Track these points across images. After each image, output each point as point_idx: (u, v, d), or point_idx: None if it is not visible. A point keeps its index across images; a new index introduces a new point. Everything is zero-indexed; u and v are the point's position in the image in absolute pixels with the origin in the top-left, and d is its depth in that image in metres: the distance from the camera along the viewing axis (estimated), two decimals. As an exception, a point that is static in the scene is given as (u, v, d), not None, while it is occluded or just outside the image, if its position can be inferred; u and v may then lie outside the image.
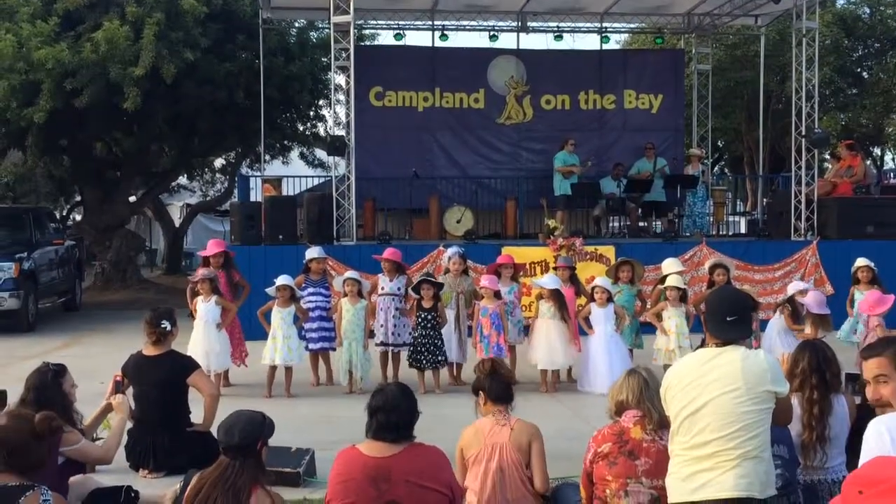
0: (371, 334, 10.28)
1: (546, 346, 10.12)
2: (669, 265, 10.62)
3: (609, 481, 4.70)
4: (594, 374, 10.03)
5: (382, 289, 10.42)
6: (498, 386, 5.29)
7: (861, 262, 10.62)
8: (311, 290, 10.51)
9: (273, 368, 9.90)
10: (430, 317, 10.05)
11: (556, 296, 10.14)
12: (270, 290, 9.98)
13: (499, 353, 9.81)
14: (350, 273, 10.42)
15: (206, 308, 9.82)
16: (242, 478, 4.17)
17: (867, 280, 10.44)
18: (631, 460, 4.66)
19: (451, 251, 11.25)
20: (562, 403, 9.50)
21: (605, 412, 4.98)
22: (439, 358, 10.07)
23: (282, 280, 9.95)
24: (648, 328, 10.99)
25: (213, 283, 9.96)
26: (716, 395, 4.06)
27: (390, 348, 10.34)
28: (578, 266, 13.10)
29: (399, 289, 10.42)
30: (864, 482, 1.99)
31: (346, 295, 10.08)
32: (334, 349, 10.38)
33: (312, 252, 10.81)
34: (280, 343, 9.82)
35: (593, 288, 10.36)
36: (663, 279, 10.44)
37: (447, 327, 10.33)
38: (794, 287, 10.07)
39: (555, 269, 11.16)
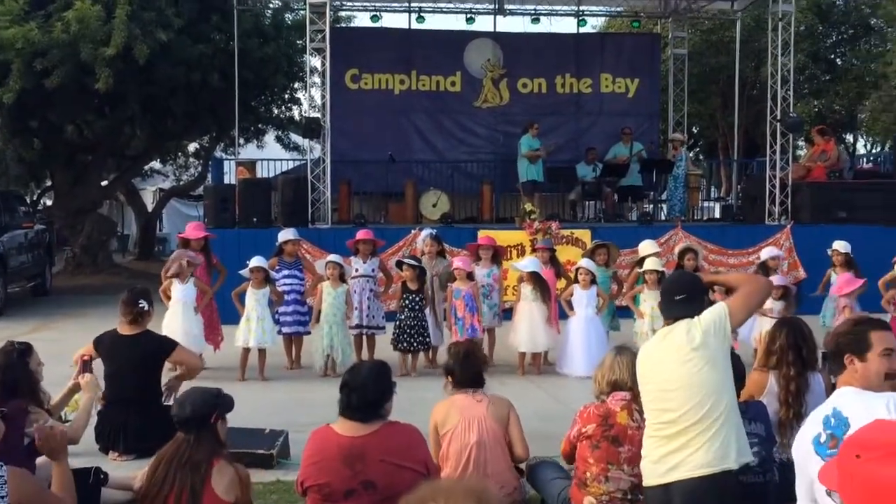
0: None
1: (528, 328, 10.07)
2: (646, 247, 10.63)
3: (590, 464, 4.68)
4: (572, 357, 10.01)
5: (356, 271, 10.34)
6: (466, 373, 5.28)
7: (837, 244, 10.66)
8: (285, 272, 10.41)
9: (246, 351, 9.79)
10: (416, 298, 10.00)
11: (536, 278, 10.10)
12: (244, 272, 9.89)
13: (473, 334, 9.80)
14: (333, 256, 10.34)
15: (183, 290, 9.69)
16: (199, 452, 4.16)
17: (841, 263, 10.50)
18: (614, 446, 4.64)
19: (424, 233, 11.22)
20: (538, 386, 9.47)
21: (592, 393, 4.95)
22: (426, 340, 10.03)
23: (255, 262, 9.85)
24: (624, 311, 11.01)
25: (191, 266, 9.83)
26: (674, 370, 4.12)
27: (364, 331, 10.27)
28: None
29: (373, 270, 10.36)
30: (862, 446, 1.96)
31: (327, 278, 9.99)
32: (308, 332, 10.30)
33: (286, 234, 10.71)
34: (254, 325, 9.72)
35: (577, 269, 10.28)
36: (641, 261, 10.44)
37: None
38: (767, 253, 10.21)
39: (534, 250, 11.13)
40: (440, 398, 5.64)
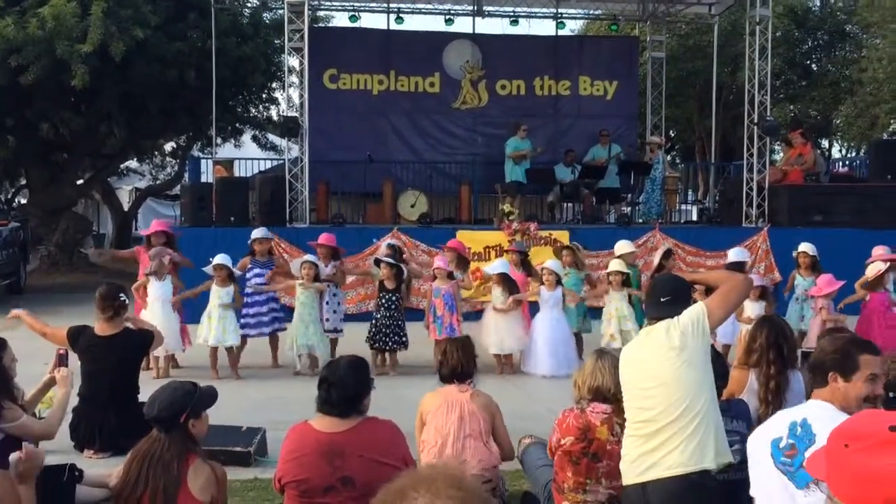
0: None
1: (496, 330, 10.10)
2: (622, 247, 10.69)
3: (569, 476, 4.67)
4: (536, 356, 10.01)
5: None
6: (452, 367, 5.34)
7: (803, 246, 10.68)
8: (257, 271, 10.35)
9: (215, 349, 9.73)
10: (392, 297, 10.00)
11: (504, 280, 10.12)
12: (207, 269, 9.80)
13: (451, 333, 9.80)
14: (309, 256, 10.31)
15: (160, 287, 9.62)
16: (170, 450, 4.11)
17: (806, 265, 10.52)
18: (593, 462, 4.63)
19: (388, 242, 11.27)
20: (514, 386, 9.47)
21: (572, 397, 4.91)
22: (403, 339, 10.02)
23: (219, 259, 9.77)
24: (596, 312, 11.05)
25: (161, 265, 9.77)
26: (653, 368, 4.13)
27: (329, 335, 10.22)
28: (533, 251, 13.09)
29: (333, 270, 10.35)
30: (850, 436, 1.96)
31: (303, 278, 9.92)
32: (284, 329, 10.24)
33: (257, 233, 10.62)
34: (215, 323, 9.64)
35: (542, 270, 10.29)
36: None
37: None
38: (734, 254, 10.27)
39: (506, 251, 11.15)
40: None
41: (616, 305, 9.98)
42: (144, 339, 7.09)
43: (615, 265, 10.14)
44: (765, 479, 3.30)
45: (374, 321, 10.10)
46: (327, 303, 10.22)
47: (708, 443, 4.02)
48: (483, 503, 1.79)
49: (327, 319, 10.19)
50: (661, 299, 4.29)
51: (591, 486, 4.65)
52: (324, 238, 10.58)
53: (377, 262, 10.30)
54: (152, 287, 9.63)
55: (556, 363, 9.85)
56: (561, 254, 10.97)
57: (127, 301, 7.01)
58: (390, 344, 9.98)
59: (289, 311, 10.51)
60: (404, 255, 11.36)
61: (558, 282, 10.18)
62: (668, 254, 10.53)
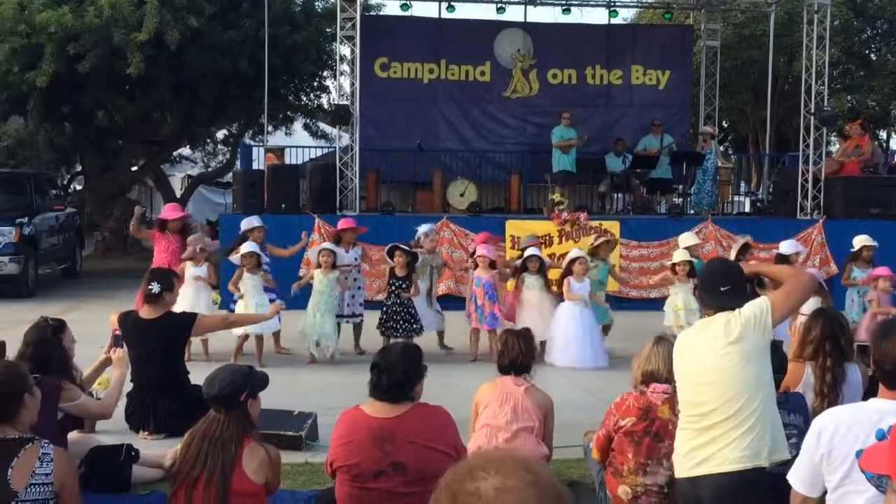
0: None
1: (540, 317, 9.92)
2: (685, 239, 10.50)
3: (629, 458, 4.64)
4: (564, 348, 9.81)
5: (340, 260, 10.33)
6: (508, 358, 5.35)
7: (864, 240, 10.41)
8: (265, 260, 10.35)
9: (244, 338, 9.61)
10: (403, 285, 9.92)
11: (541, 264, 10.06)
12: (235, 258, 9.84)
13: (493, 322, 9.83)
14: (326, 244, 10.33)
15: (197, 272, 9.71)
16: (228, 430, 4.15)
17: (870, 259, 10.29)
18: (656, 442, 4.59)
19: (426, 227, 11.04)
20: (565, 376, 9.41)
21: (630, 381, 4.91)
22: (414, 326, 9.91)
23: (247, 247, 9.76)
24: (625, 304, 10.91)
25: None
26: (709, 363, 4.05)
27: (345, 320, 10.24)
28: (582, 240, 13.03)
29: (356, 259, 10.35)
30: None
31: (319, 266, 9.89)
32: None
33: (250, 222, 10.51)
34: (253, 311, 9.51)
35: (574, 259, 10.02)
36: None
37: (420, 299, 10.21)
38: (786, 246, 10.07)
39: (526, 258, 10.68)
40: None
41: (683, 298, 9.68)
42: (185, 322, 7.11)
43: (681, 255, 9.89)
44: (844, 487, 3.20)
45: (384, 308, 10.02)
46: (348, 289, 10.19)
47: (763, 440, 3.96)
48: (551, 487, 1.77)
49: (347, 304, 10.19)
50: (721, 288, 4.17)
51: (652, 468, 4.60)
52: (344, 223, 10.58)
53: (392, 252, 10.05)
54: (189, 272, 9.73)
55: (583, 357, 9.70)
56: (601, 246, 10.78)
57: (157, 290, 6.91)
58: (401, 331, 9.85)
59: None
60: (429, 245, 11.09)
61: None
62: (745, 248, 10.12)
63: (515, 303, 10.21)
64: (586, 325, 9.86)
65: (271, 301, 9.97)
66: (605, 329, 10.39)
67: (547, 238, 13.97)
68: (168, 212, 10.51)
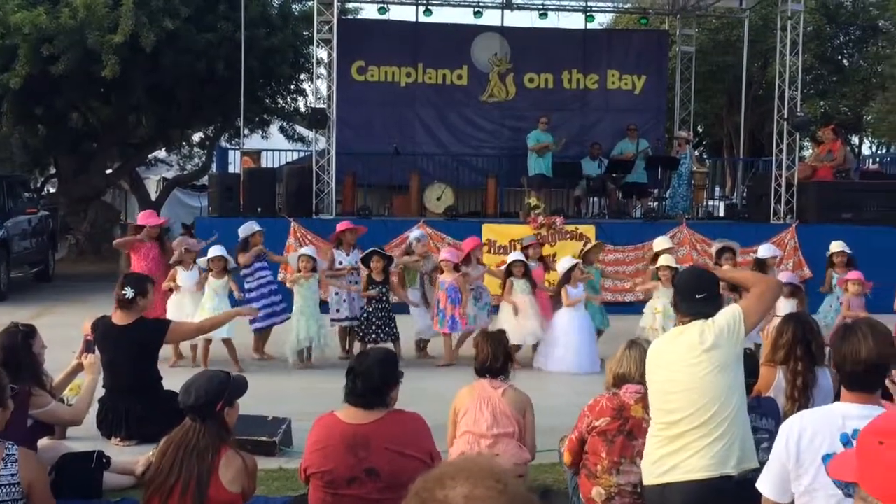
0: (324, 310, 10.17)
1: (529, 321, 9.97)
2: (660, 243, 10.57)
3: (602, 457, 4.65)
4: (558, 354, 9.85)
5: (340, 263, 10.31)
6: (485, 361, 5.33)
7: (837, 246, 10.54)
8: (257, 265, 10.28)
9: (208, 342, 9.50)
10: (382, 290, 9.96)
11: (527, 270, 10.10)
12: (202, 262, 9.78)
13: (453, 326, 9.85)
14: (305, 249, 10.32)
15: (188, 277, 9.66)
16: (204, 439, 4.11)
17: (842, 264, 10.40)
18: (629, 440, 4.62)
19: (417, 233, 11.12)
20: (560, 381, 9.40)
21: (602, 385, 4.94)
22: (393, 331, 9.95)
23: (215, 251, 9.72)
24: (616, 308, 11.00)
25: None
26: (681, 371, 4.06)
27: (352, 322, 10.23)
28: (559, 245, 13.07)
29: (356, 261, 10.35)
30: (884, 432, 1.95)
31: (300, 270, 9.88)
32: (289, 317, 10.19)
33: (250, 227, 10.45)
34: (208, 316, 9.54)
35: (573, 267, 10.09)
36: (655, 258, 10.39)
37: (419, 307, 10.29)
38: (764, 250, 10.15)
39: (525, 247, 10.95)
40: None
41: (664, 302, 9.61)
42: (158, 328, 7.06)
43: (666, 259, 9.94)
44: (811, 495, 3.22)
45: (365, 315, 10.00)
46: (357, 291, 10.20)
47: (732, 448, 3.98)
48: (521, 497, 1.78)
49: (349, 307, 10.16)
50: (697, 296, 4.20)
51: (625, 467, 4.62)
52: (343, 225, 10.57)
53: (366, 262, 10.03)
54: (180, 277, 9.67)
55: (579, 363, 9.76)
56: (591, 251, 10.86)
57: (130, 296, 6.85)
58: (382, 336, 9.87)
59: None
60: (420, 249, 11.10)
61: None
62: (722, 251, 10.23)
63: (548, 303, 10.24)
64: (584, 331, 9.93)
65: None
66: (599, 333, 10.42)
67: (523, 242, 14.00)
68: (145, 218, 10.41)
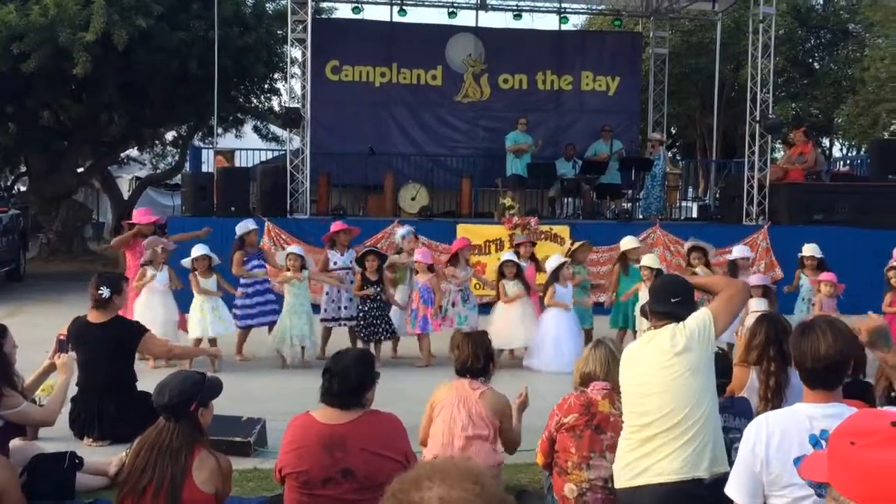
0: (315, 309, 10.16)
1: (521, 322, 10.02)
2: (627, 242, 10.65)
3: (572, 453, 4.68)
4: (545, 353, 9.92)
5: (335, 263, 10.29)
6: (465, 361, 5.32)
7: (808, 249, 10.64)
8: (254, 262, 10.31)
9: (199, 341, 9.55)
10: (377, 288, 9.97)
11: (518, 270, 10.12)
12: (186, 262, 9.74)
13: (424, 326, 9.87)
14: (292, 248, 10.29)
15: (159, 278, 9.60)
16: (178, 439, 4.10)
17: (812, 267, 10.50)
18: (597, 434, 4.65)
19: (403, 230, 11.11)
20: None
21: (571, 384, 4.97)
22: (390, 328, 10.00)
23: (200, 250, 9.70)
24: (599, 308, 11.06)
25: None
26: (653, 374, 4.10)
27: (342, 323, 10.22)
28: (537, 246, 13.08)
29: (350, 261, 10.32)
30: (855, 433, 1.98)
31: (288, 269, 9.90)
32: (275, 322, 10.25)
33: (246, 225, 10.47)
34: (209, 315, 9.53)
35: (561, 265, 10.11)
36: (622, 257, 10.45)
37: (400, 303, 10.29)
38: (737, 251, 10.24)
39: (516, 245, 11.07)
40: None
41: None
42: (135, 330, 7.02)
43: (649, 260, 9.96)
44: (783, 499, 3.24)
45: (361, 313, 10.02)
46: (347, 291, 10.19)
47: (704, 452, 4.01)
48: (498, 498, 1.78)
49: (344, 307, 10.18)
50: (672, 300, 4.25)
51: (595, 461, 4.65)
52: (337, 225, 10.55)
53: (360, 262, 10.06)
54: (148, 277, 9.60)
55: (567, 361, 9.77)
56: (579, 250, 10.89)
57: (107, 295, 6.84)
58: (380, 334, 9.94)
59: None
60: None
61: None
62: (691, 250, 10.36)
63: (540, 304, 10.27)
64: (570, 330, 9.97)
65: (242, 313, 9.99)
66: (588, 333, 10.42)
67: (498, 242, 14.06)
68: (141, 216, 10.34)
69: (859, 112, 25.61)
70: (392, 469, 4.28)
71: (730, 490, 3.33)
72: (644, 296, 9.80)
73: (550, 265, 10.21)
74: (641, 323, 9.80)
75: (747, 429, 3.36)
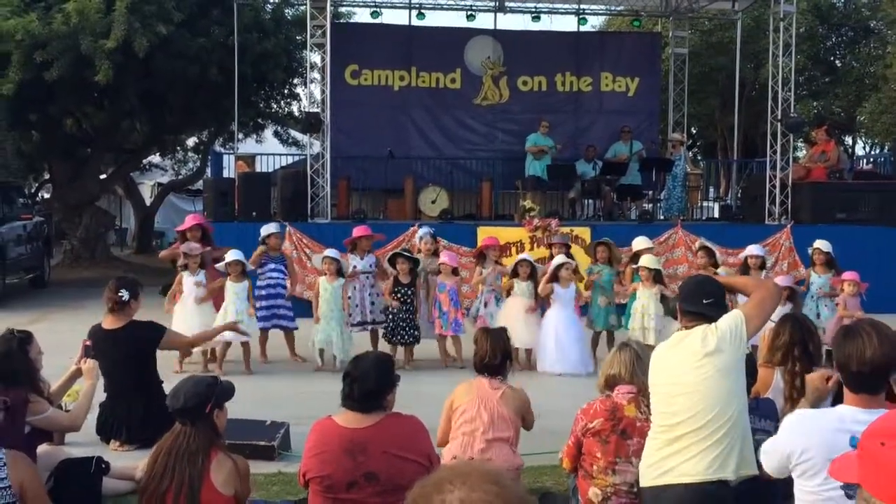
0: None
1: (528, 324, 9.95)
2: (639, 243, 10.62)
3: (598, 458, 4.67)
4: (549, 355, 9.88)
5: (354, 267, 10.32)
6: (484, 360, 5.32)
7: (817, 243, 10.57)
8: (271, 266, 10.35)
9: (227, 345, 9.64)
10: (408, 292, 10.00)
11: (533, 271, 10.10)
12: (220, 266, 9.80)
13: (457, 329, 9.88)
14: (329, 251, 10.32)
15: (194, 282, 9.64)
16: (195, 442, 4.13)
17: (821, 262, 10.42)
18: (623, 440, 4.63)
19: (422, 231, 11.18)
20: (553, 382, 9.42)
21: (596, 387, 4.96)
22: (415, 333, 10.05)
23: (233, 255, 9.75)
24: (623, 309, 11.00)
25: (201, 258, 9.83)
26: (683, 374, 4.06)
27: (368, 326, 10.25)
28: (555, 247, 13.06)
29: (371, 265, 10.34)
30: (886, 434, 1.96)
31: (324, 273, 9.95)
32: (296, 328, 10.31)
33: (269, 228, 10.56)
34: (233, 318, 9.56)
35: (561, 265, 10.03)
36: (634, 257, 10.41)
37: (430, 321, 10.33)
38: (750, 250, 10.18)
39: (550, 246, 11.06)
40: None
41: (643, 302, 9.79)
42: (152, 332, 7.00)
43: (648, 261, 9.96)
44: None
45: (390, 316, 10.08)
46: (369, 294, 10.23)
47: (731, 454, 3.97)
48: (518, 499, 1.79)
49: (369, 312, 10.20)
50: (705, 300, 4.20)
51: (621, 466, 4.64)
52: (360, 230, 10.58)
53: (394, 259, 10.19)
54: (186, 283, 9.65)
55: (569, 362, 9.76)
56: (596, 250, 10.85)
57: (126, 298, 6.81)
58: (407, 338, 10.01)
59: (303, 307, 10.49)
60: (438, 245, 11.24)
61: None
62: (698, 249, 10.37)
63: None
64: (571, 330, 9.91)
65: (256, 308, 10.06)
66: (609, 334, 10.33)
67: (519, 244, 14.05)
68: (188, 222, 10.39)
69: (882, 110, 25.37)
70: (415, 471, 4.30)
71: (764, 458, 3.47)
72: (642, 296, 9.81)
73: (552, 265, 10.20)
74: (640, 321, 9.80)
75: (788, 421, 3.39)
